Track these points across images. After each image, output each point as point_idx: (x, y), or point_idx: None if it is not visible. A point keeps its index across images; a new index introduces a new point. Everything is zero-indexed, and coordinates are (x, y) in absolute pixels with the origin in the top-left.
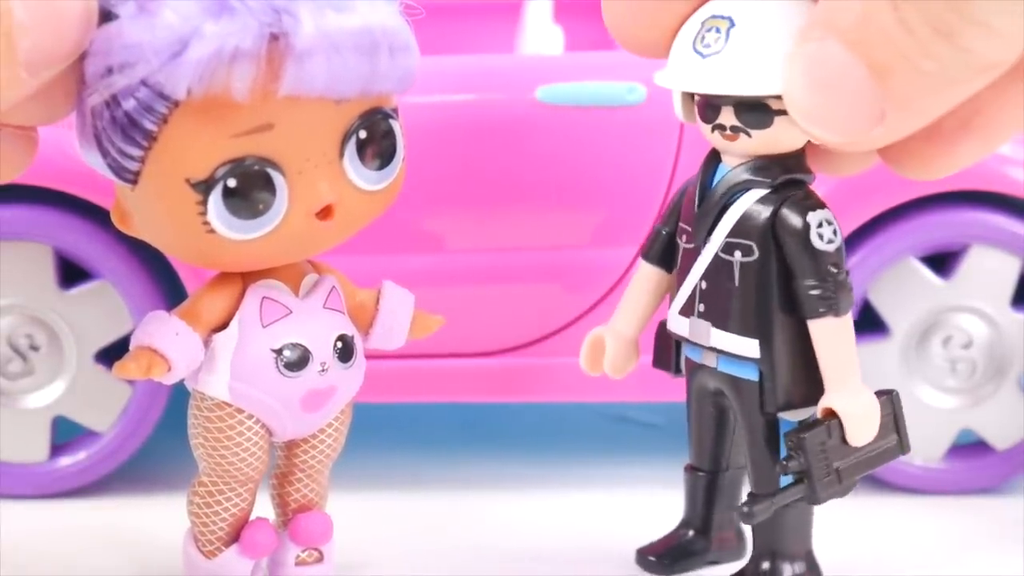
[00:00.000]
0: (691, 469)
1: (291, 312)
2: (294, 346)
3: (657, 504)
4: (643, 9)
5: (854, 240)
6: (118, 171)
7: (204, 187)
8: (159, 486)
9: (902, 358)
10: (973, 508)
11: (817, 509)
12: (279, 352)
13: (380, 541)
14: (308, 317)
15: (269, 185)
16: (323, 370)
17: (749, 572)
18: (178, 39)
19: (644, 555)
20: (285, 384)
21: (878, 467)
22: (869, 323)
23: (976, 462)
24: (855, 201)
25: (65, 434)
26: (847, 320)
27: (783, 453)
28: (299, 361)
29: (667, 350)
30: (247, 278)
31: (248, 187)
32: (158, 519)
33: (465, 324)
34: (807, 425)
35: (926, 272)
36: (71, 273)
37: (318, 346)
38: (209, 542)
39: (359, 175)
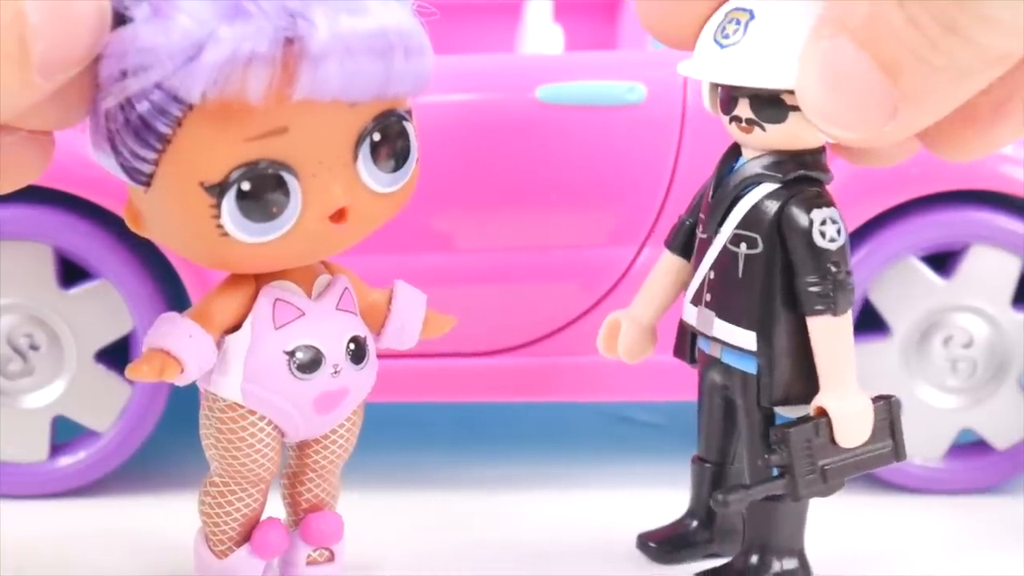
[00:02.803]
0: (698, 460)
1: (304, 314)
2: (307, 348)
3: (658, 503)
4: (672, 3)
5: (855, 239)
6: (131, 173)
7: (218, 190)
8: (159, 486)
9: (902, 357)
10: (973, 508)
11: (816, 508)
12: (292, 354)
13: (390, 541)
14: (321, 319)
15: (283, 188)
16: (336, 372)
17: (737, 564)
18: (193, 43)
19: (645, 540)
20: (297, 386)
21: (868, 471)
22: (870, 322)
23: (976, 462)
24: (856, 200)
25: (65, 434)
26: (845, 320)
27: None
28: (312, 363)
29: (685, 340)
30: (260, 279)
31: (262, 190)
32: (158, 519)
33: (464, 324)
34: (795, 421)
35: (927, 271)
36: (71, 273)
37: (331, 348)
38: (220, 542)
39: (373, 178)
